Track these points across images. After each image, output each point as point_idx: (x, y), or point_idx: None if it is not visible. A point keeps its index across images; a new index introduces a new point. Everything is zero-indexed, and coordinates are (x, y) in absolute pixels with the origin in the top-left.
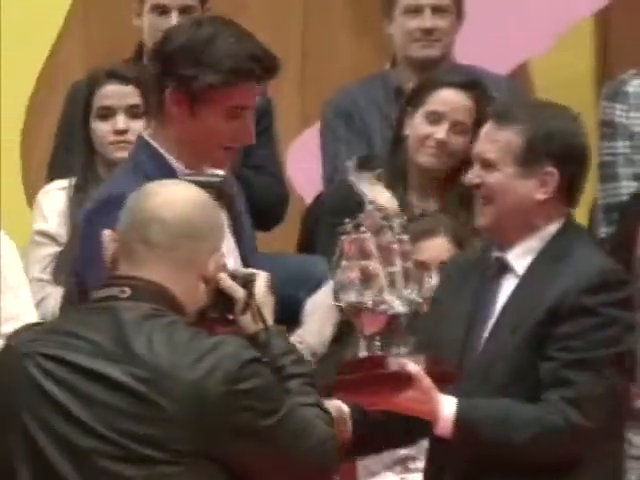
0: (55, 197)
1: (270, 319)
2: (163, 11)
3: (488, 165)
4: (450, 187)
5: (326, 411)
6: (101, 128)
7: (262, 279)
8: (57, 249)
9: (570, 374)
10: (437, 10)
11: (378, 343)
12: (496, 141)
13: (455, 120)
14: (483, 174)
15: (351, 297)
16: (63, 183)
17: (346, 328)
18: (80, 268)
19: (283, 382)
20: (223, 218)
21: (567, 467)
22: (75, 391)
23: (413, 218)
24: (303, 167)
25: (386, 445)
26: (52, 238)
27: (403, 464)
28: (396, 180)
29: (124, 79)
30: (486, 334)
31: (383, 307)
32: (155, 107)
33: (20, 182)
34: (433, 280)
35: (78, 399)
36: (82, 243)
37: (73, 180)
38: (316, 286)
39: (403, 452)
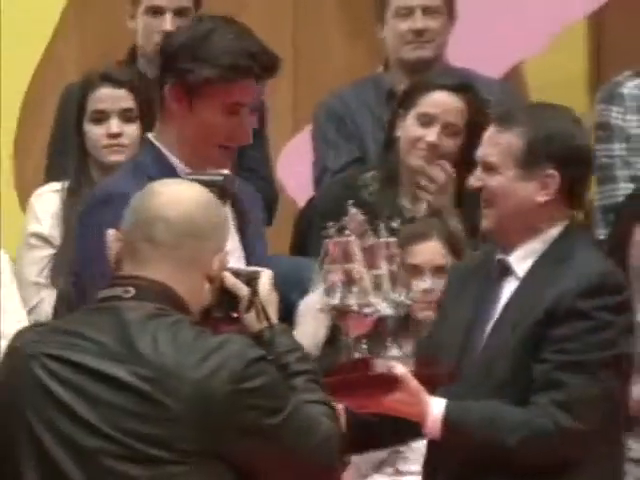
0: (48, 199)
1: (274, 317)
2: (158, 13)
3: (490, 168)
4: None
5: (332, 407)
6: (94, 131)
7: (266, 277)
8: (51, 251)
9: (562, 376)
10: (428, 11)
11: (365, 346)
12: (497, 144)
13: (446, 122)
14: (485, 177)
15: (335, 300)
16: (56, 186)
17: (339, 330)
18: (78, 267)
19: (288, 379)
20: (227, 217)
21: (563, 469)
22: (80, 391)
23: (405, 221)
24: (295, 170)
25: (375, 445)
26: (46, 240)
27: (393, 466)
28: (388, 183)
29: (118, 82)
30: (487, 333)
31: (368, 310)
32: (158, 106)
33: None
34: (426, 283)
35: (83, 399)
36: (77, 242)
37: (66, 183)
38: (309, 288)
39: (382, 455)
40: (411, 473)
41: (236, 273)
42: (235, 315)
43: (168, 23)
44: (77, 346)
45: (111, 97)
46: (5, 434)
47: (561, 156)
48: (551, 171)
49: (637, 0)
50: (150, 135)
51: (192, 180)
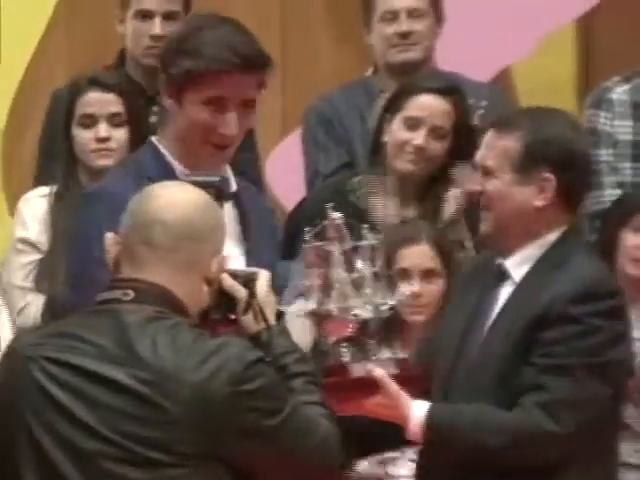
0: (36, 204)
1: (272, 318)
2: (147, 17)
3: (487, 172)
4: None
5: (330, 409)
6: (83, 136)
7: (264, 278)
8: (38, 256)
9: (546, 379)
10: (413, 14)
11: (345, 349)
12: (495, 148)
13: (433, 125)
14: (483, 182)
15: (313, 304)
16: (44, 190)
17: (320, 335)
18: (72, 268)
19: (286, 381)
20: (224, 219)
21: (553, 473)
22: (79, 394)
23: (393, 225)
24: (284, 173)
25: (371, 450)
26: (33, 246)
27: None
28: (376, 187)
29: (106, 87)
30: (483, 338)
31: (347, 314)
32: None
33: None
34: (414, 287)
35: (82, 402)
36: (70, 243)
37: (55, 187)
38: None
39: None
40: (401, 476)
41: (234, 275)
42: (233, 317)
43: (157, 27)
44: (76, 349)
45: (99, 101)
46: (5, 434)
47: (558, 160)
48: (547, 175)
49: (626, 3)
50: (154, 137)
51: (188, 181)
